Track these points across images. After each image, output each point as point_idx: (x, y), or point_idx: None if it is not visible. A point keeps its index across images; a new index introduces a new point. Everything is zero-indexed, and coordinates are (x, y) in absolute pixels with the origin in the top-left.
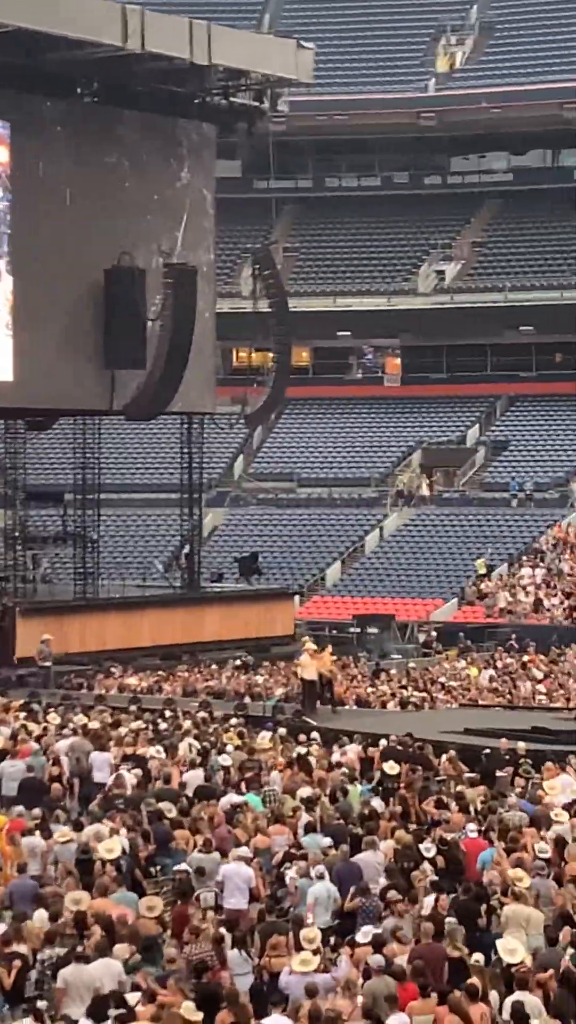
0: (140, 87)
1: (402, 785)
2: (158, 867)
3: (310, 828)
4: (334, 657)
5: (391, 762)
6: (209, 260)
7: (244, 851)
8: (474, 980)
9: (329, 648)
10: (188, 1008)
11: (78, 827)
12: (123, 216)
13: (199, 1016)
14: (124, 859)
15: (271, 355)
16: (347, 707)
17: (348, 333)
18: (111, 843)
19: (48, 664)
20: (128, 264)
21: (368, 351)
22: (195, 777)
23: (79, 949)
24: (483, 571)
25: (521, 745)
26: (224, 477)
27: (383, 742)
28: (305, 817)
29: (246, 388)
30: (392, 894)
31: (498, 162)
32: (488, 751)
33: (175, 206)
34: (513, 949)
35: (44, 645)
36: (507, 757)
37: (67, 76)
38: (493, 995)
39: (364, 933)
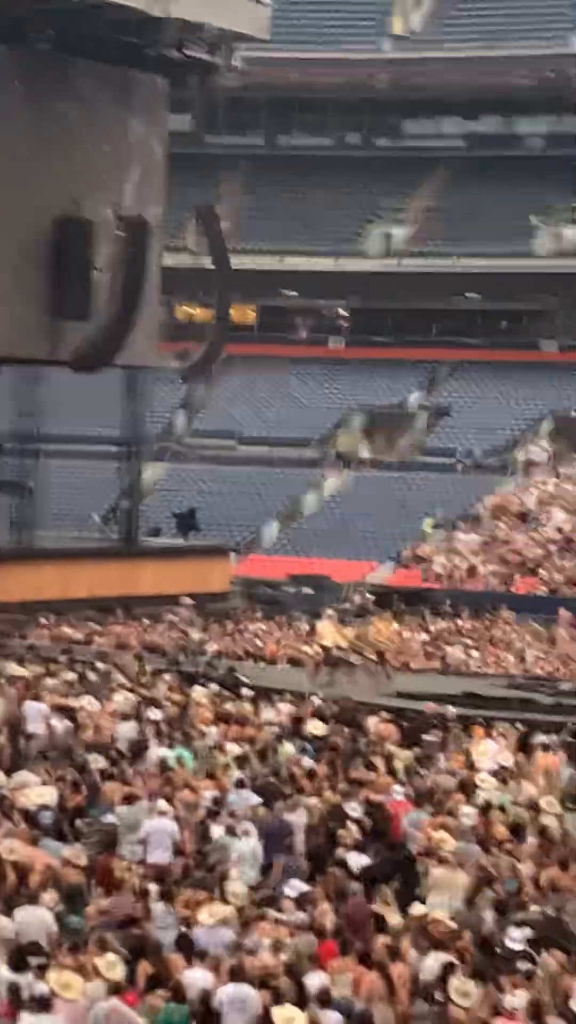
0: (95, 36)
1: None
2: (86, 819)
3: (240, 785)
4: (395, 627)
5: (316, 721)
6: (158, 214)
7: (163, 805)
8: (393, 939)
9: (390, 617)
10: (108, 962)
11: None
12: (73, 166)
13: (119, 972)
14: (51, 810)
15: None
16: (279, 666)
17: (294, 293)
18: (42, 791)
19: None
20: (77, 214)
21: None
22: (127, 730)
23: None
24: (430, 530)
25: (451, 710)
26: (165, 432)
27: (315, 700)
28: (235, 774)
29: (189, 344)
30: None
31: (451, 127)
32: (416, 715)
33: (126, 158)
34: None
35: (185, 610)
36: (435, 721)
37: (21, 23)
38: (412, 955)
39: (292, 888)
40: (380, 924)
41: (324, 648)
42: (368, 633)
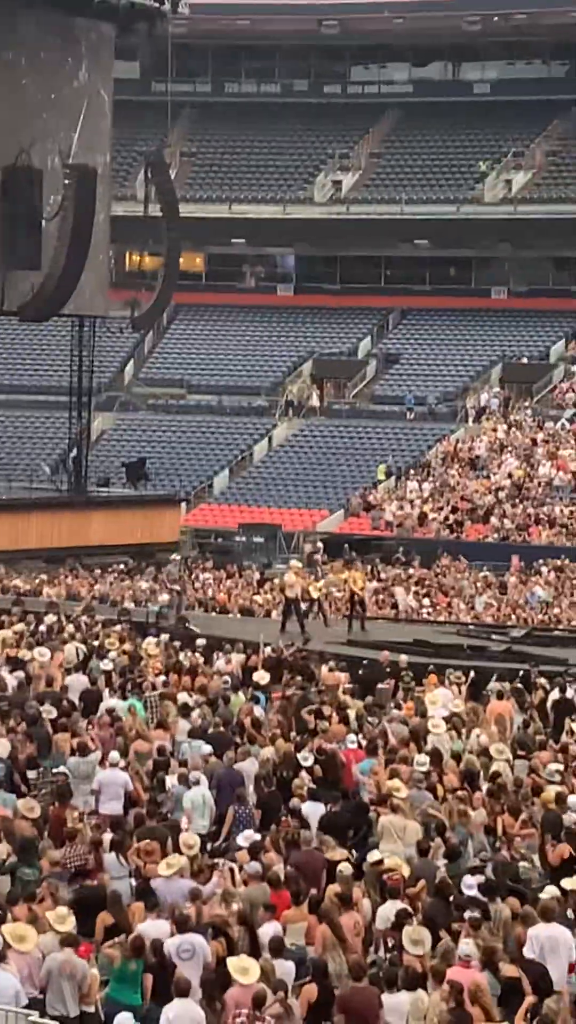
0: None
1: (279, 694)
2: (38, 770)
3: (192, 734)
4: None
5: (261, 671)
6: (105, 162)
7: (115, 757)
8: (343, 888)
9: (358, 567)
10: (59, 915)
11: None
12: (20, 114)
13: (70, 925)
14: (2, 762)
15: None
16: (231, 615)
17: (242, 240)
18: None
19: (177, 588)
20: (26, 163)
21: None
22: (78, 681)
23: None
24: (383, 477)
25: (403, 658)
26: (114, 381)
27: (267, 650)
28: (186, 724)
29: (137, 292)
30: None
31: (399, 73)
32: (369, 663)
33: (72, 106)
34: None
35: (173, 566)
36: (388, 669)
37: None
38: (366, 903)
39: (245, 837)
40: (333, 873)
41: (288, 598)
42: (341, 582)
